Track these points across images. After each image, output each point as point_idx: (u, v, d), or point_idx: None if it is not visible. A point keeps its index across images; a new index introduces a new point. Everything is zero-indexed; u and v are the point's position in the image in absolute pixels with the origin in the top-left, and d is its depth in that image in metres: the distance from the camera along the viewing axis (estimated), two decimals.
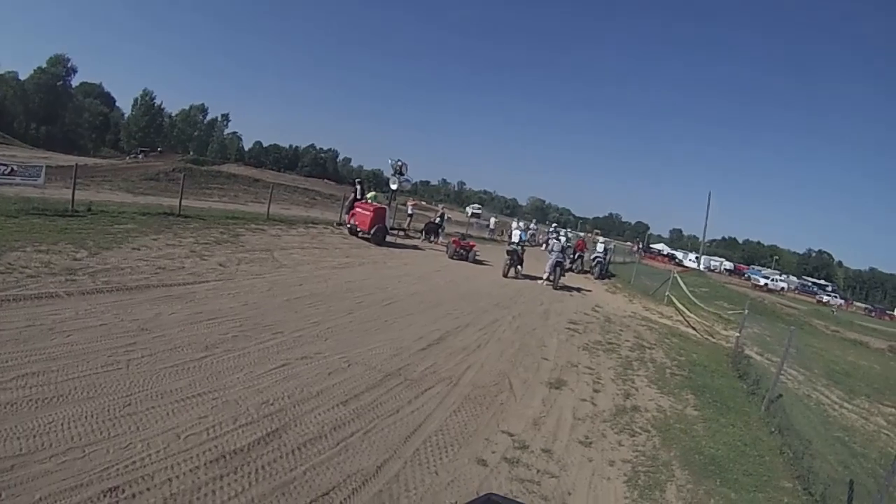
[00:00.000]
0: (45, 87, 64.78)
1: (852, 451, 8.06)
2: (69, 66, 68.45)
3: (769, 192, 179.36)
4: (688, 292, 18.79)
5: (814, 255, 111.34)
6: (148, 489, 3.67)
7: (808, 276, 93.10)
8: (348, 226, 17.61)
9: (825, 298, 63.67)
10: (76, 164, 15.34)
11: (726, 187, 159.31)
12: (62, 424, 4.17)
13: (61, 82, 68.42)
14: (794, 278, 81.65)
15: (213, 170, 36.41)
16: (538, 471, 4.87)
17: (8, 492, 3.40)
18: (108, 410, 4.48)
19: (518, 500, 3.16)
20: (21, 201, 11.65)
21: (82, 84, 72.95)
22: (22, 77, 64.73)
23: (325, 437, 4.77)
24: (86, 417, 4.33)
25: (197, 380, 5.31)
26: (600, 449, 5.62)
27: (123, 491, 3.60)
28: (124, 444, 4.07)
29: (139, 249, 9.87)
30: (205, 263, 9.95)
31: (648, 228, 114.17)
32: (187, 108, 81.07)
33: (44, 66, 66.01)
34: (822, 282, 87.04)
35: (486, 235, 31.44)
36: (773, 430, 7.29)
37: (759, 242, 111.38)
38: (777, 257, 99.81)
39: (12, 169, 12.52)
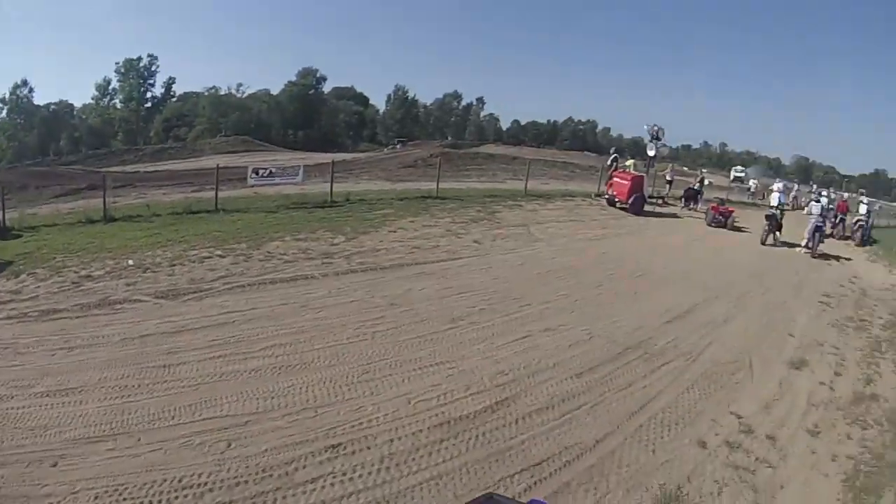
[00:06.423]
0: (297, 97, 68.51)
1: None
2: (318, 76, 71.78)
3: None
4: None
5: None
6: (368, 448, 3.94)
7: None
8: (606, 196, 17.59)
9: None
10: (333, 160, 15.99)
11: None
12: (300, 388, 4.61)
13: (313, 90, 71.39)
14: None
15: (471, 152, 36.53)
16: (756, 458, 4.58)
17: (238, 442, 3.86)
18: (347, 377, 4.86)
19: (519, 500, 2.90)
20: (280, 198, 12.61)
21: (334, 89, 75.51)
22: (274, 92, 68.85)
23: (551, 409, 4.82)
24: (324, 383, 4.74)
25: (437, 350, 5.52)
26: (826, 441, 5.05)
27: (345, 448, 3.90)
28: (355, 407, 4.42)
29: (395, 232, 10.53)
30: (459, 241, 10.39)
31: None
32: (441, 97, 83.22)
33: (293, 79, 69.76)
34: None
35: (747, 199, 27.25)
36: None
37: None
38: None
39: (271, 171, 13.85)
